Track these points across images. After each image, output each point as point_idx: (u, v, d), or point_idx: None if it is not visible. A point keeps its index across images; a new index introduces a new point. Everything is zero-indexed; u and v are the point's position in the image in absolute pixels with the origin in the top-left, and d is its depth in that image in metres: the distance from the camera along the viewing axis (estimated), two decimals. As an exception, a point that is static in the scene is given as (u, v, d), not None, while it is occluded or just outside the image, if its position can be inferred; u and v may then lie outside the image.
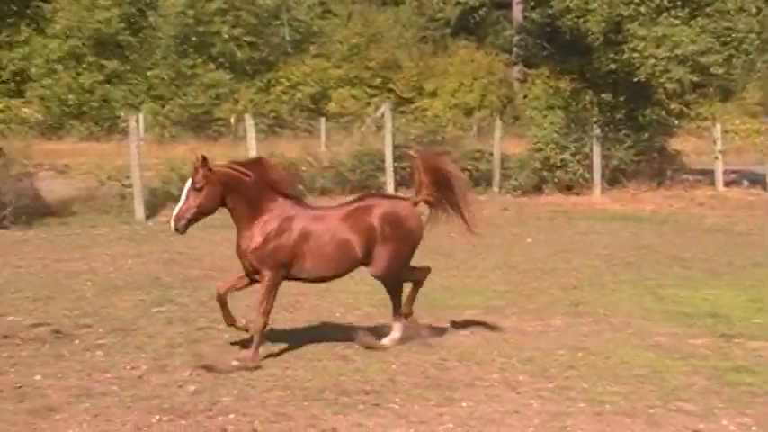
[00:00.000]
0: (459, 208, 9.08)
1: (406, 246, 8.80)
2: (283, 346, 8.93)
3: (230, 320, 8.60)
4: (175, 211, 8.39)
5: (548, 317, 10.27)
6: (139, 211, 18.46)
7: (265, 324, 8.42)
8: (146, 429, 6.76)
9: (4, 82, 39.81)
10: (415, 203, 9.11)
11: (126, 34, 41.20)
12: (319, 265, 8.57)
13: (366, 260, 8.66)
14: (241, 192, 8.37)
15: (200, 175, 8.25)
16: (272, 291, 8.48)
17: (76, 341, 9.10)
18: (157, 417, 7.00)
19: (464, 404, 7.29)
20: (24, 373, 8.05)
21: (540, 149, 23.37)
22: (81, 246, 15.19)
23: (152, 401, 7.32)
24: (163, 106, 38.77)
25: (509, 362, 8.45)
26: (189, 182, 8.33)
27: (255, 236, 8.40)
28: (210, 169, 8.29)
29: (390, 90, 41.55)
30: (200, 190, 8.28)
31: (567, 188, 22.99)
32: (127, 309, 10.54)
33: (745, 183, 24.79)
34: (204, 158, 8.35)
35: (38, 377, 7.96)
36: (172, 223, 8.43)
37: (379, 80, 42.25)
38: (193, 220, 8.45)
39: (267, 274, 8.41)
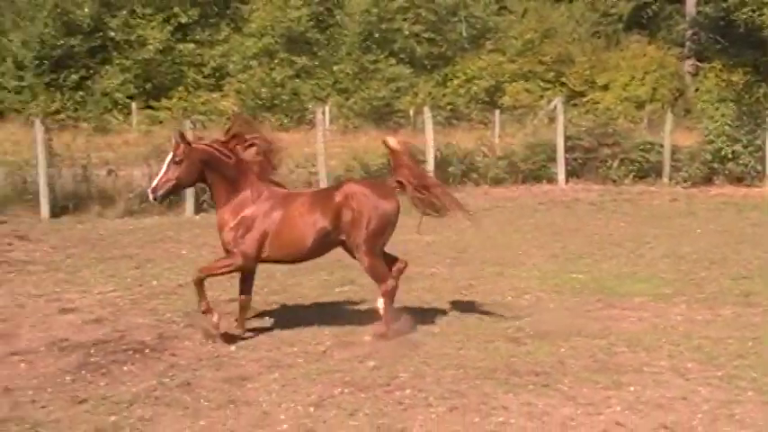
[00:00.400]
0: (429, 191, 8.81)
1: (379, 226, 8.48)
2: (457, 327, 8.96)
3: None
4: (154, 182, 8.37)
5: (717, 306, 9.90)
6: (325, 197, 18.81)
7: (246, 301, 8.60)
8: (329, 400, 6.91)
9: (205, 77, 41.33)
10: (393, 186, 8.77)
11: (314, 32, 42.00)
12: (290, 247, 8.42)
13: (340, 241, 8.48)
14: (221, 170, 8.37)
15: (180, 149, 8.24)
16: (233, 269, 8.51)
17: (267, 317, 9.38)
18: (339, 389, 7.15)
19: (632, 388, 7.13)
20: (221, 343, 8.36)
21: (711, 141, 22.52)
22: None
23: (334, 375, 7.48)
24: (347, 99, 39.35)
25: (677, 349, 8.21)
26: (170, 155, 8.33)
27: (229, 215, 8.39)
28: (190, 144, 8.32)
29: (563, 84, 40.90)
30: (179, 164, 8.26)
31: (738, 180, 22.07)
32: (312, 287, 10.79)
33: None
34: (182, 134, 8.43)
35: (233, 348, 8.25)
36: (149, 193, 8.39)
37: (552, 74, 41.65)
38: (171, 191, 8.49)
39: (235, 253, 8.38)
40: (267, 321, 9.19)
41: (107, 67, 39.45)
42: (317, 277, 11.30)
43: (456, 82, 40.89)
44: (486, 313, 9.48)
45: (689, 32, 35.05)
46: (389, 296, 8.48)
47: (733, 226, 15.91)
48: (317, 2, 42.36)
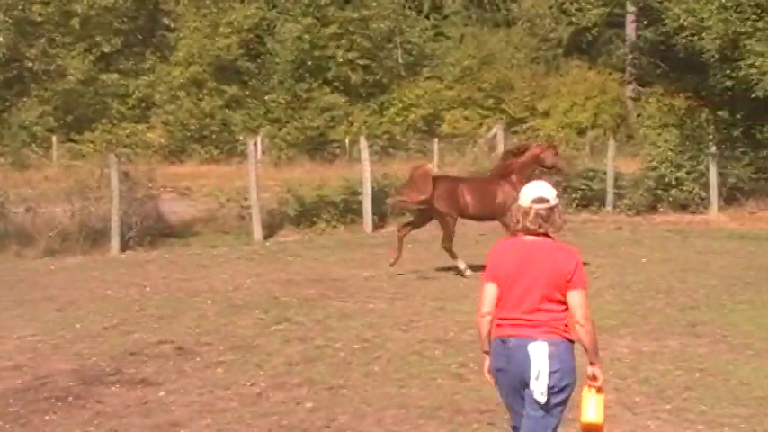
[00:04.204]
0: None
1: None
2: (398, 365, 8.96)
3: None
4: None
5: (663, 337, 10.05)
6: (257, 232, 18.76)
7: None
8: (265, 445, 6.86)
9: (130, 108, 41.05)
10: None
11: (244, 60, 41.99)
12: None
13: None
14: None
15: None
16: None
17: (198, 358, 9.30)
18: (276, 433, 7.10)
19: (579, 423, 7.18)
20: (150, 389, 8.26)
21: (654, 168, 22.92)
22: (202, 265, 15.52)
23: (270, 418, 7.43)
24: (280, 129, 39.35)
25: (624, 382, 8.30)
26: None
27: None
28: None
29: (503, 110, 41.31)
30: None
31: (683, 207, 22.47)
32: (246, 327, 10.72)
33: None
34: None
35: (162, 393, 8.16)
36: None
37: (491, 101, 42.07)
38: None
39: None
40: (199, 363, 9.11)
41: (24, 99, 38.99)
42: (251, 316, 11.24)
43: (392, 110, 41.15)
44: (428, 350, 9.50)
45: (629, 57, 35.68)
46: None
47: (678, 254, 16.19)
48: (246, 29, 42.37)
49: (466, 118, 40.67)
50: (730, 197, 22.88)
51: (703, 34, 22.63)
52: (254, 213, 18.94)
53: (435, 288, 13.14)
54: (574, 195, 22.14)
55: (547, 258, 5.19)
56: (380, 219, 20.17)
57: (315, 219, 19.79)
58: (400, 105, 41.14)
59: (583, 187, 22.42)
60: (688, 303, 11.92)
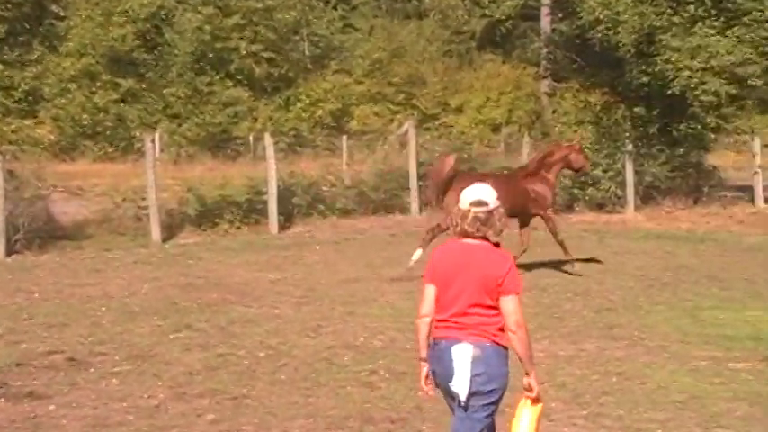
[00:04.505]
0: None
1: None
2: (305, 373, 8.93)
3: None
4: None
5: (580, 340, 10.21)
6: (156, 234, 18.52)
7: None
8: (163, 460, 6.77)
9: (16, 102, 40.13)
10: None
11: (141, 52, 41.43)
12: None
13: None
14: None
15: None
16: None
17: (92, 369, 9.13)
18: (176, 447, 7.01)
19: (495, 432, 7.25)
20: (38, 403, 8.08)
21: (570, 166, 23.27)
22: (96, 270, 15.26)
23: None
24: (179, 125, 38.94)
25: (541, 388, 8.39)
26: None
27: None
28: None
29: (414, 106, 41.53)
30: None
31: (599, 206, 22.88)
32: (143, 335, 10.57)
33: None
34: None
35: (52, 407, 7.99)
36: None
37: (402, 96, 42.28)
38: None
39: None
40: (93, 374, 8.95)
41: None
42: (148, 323, 11.09)
43: (299, 105, 41.05)
44: (337, 356, 9.49)
45: (544, 51, 36.15)
46: None
47: (595, 255, 16.47)
48: (143, 18, 41.80)
49: (376, 114, 40.80)
50: (647, 196, 23.39)
51: (619, 28, 23.07)
52: (152, 214, 18.68)
53: (345, 292, 13.13)
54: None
55: (479, 262, 5.29)
56: (286, 219, 20.11)
57: (217, 219, 19.62)
58: (307, 100, 41.06)
59: (497, 186, 22.61)
60: (605, 305, 12.15)
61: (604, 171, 22.94)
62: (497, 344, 5.30)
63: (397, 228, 20.11)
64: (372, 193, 22.22)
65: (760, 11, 22.99)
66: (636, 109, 24.98)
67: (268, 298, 12.57)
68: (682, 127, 24.33)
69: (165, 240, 18.51)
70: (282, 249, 17.23)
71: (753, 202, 24.25)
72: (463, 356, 5.21)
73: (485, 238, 5.37)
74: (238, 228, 19.56)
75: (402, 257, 14.69)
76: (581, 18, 24.86)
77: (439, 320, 5.38)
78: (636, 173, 22.83)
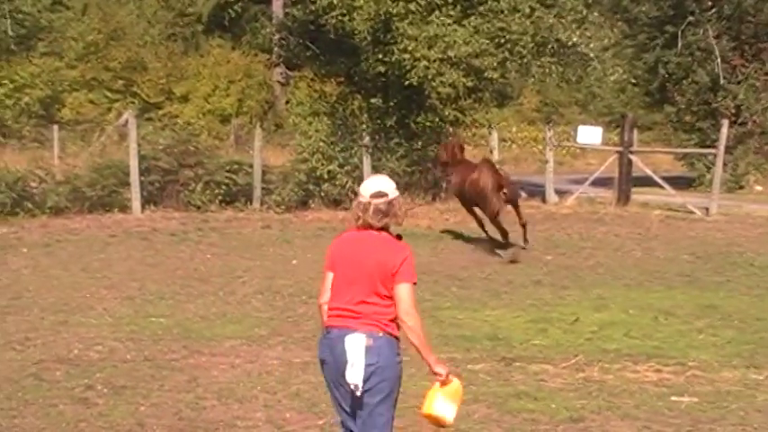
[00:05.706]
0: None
1: None
2: (10, 390, 8.59)
3: None
4: None
5: (315, 346, 10.30)
6: None
7: None
8: None
9: None
10: None
11: None
12: None
13: None
14: None
15: None
16: None
17: None
18: None
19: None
20: None
21: (305, 160, 23.41)
22: None
23: None
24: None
25: (274, 398, 8.46)
26: None
27: None
28: None
29: (135, 94, 40.73)
30: None
31: (336, 203, 23.17)
32: None
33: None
34: None
35: None
36: None
37: (121, 83, 41.32)
38: None
39: None
40: None
41: None
42: None
43: (1, 91, 39.34)
44: (47, 371, 9.19)
45: (276, 37, 36.28)
46: None
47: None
48: None
49: (91, 102, 39.78)
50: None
51: (354, 14, 23.41)
52: None
53: (57, 299, 12.72)
54: (217, 191, 22.19)
55: (375, 251, 5.67)
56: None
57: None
58: (11, 86, 39.37)
59: (227, 181, 22.51)
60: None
61: (341, 165, 23.21)
62: (390, 334, 5.68)
63: (116, 227, 19.66)
64: (88, 189, 21.60)
65: (496, 1, 23.95)
66: (373, 100, 25.45)
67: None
68: (419, 119, 25.00)
69: None
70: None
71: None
72: (357, 346, 5.53)
73: (384, 229, 5.76)
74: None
75: (121, 260, 14.38)
76: (314, 2, 25.07)
77: (332, 308, 5.73)
78: (373, 167, 23.26)
